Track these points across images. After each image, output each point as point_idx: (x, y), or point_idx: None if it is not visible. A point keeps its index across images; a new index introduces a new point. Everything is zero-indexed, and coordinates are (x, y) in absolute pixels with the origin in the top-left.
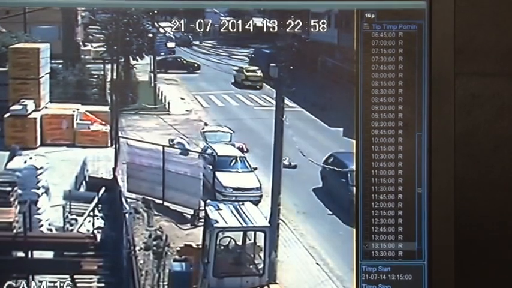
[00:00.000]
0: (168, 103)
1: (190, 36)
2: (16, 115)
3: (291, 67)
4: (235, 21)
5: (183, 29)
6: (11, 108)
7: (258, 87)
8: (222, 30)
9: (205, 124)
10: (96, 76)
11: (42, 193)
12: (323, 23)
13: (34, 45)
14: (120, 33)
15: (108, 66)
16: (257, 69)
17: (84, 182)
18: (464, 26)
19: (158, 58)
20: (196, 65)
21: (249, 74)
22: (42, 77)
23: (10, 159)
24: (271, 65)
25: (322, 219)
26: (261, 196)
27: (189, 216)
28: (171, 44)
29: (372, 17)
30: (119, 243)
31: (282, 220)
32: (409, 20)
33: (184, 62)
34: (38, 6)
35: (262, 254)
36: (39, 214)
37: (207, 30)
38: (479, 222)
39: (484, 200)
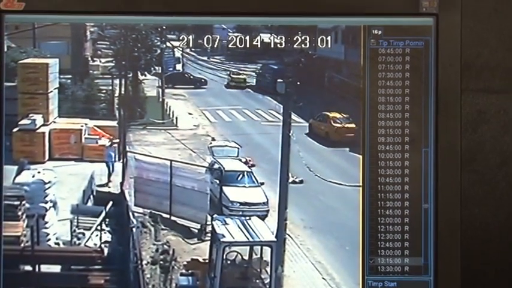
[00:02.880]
0: (176, 118)
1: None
2: (25, 129)
3: (298, 83)
4: (243, 37)
5: (191, 45)
6: (20, 122)
7: (241, 87)
8: (229, 46)
9: (213, 139)
10: (104, 91)
11: (50, 207)
12: (330, 39)
13: (43, 60)
14: (128, 48)
15: (117, 81)
16: (241, 72)
17: (91, 196)
18: (471, 43)
19: (166, 74)
20: (203, 80)
21: (234, 76)
22: (51, 91)
23: (18, 173)
24: (279, 80)
25: (328, 234)
26: (267, 211)
27: (196, 231)
28: (179, 66)
29: (378, 33)
30: (126, 258)
31: (288, 235)
32: (416, 36)
33: (192, 77)
34: (47, 21)
35: (268, 269)
36: (46, 228)
37: (215, 46)
38: (486, 238)
39: (490, 215)
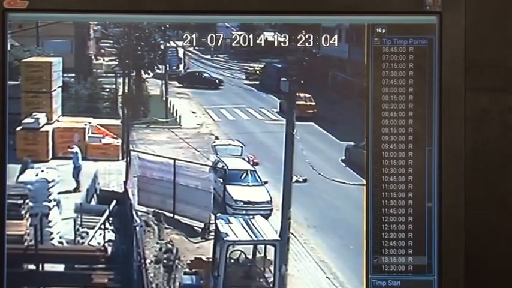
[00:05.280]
0: (180, 117)
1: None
2: (28, 128)
3: (302, 81)
4: (246, 36)
5: (194, 43)
6: (23, 121)
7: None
8: (233, 44)
9: (216, 138)
10: (107, 90)
11: (54, 206)
12: (334, 37)
13: (46, 59)
14: (132, 47)
15: (120, 80)
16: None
17: (95, 195)
18: (475, 42)
19: (180, 73)
20: (217, 81)
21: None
22: (55, 90)
23: (22, 172)
24: (282, 79)
25: (332, 233)
26: (271, 210)
27: (200, 230)
28: (182, 65)
29: (382, 31)
30: (129, 256)
31: (292, 234)
32: (420, 35)
33: (210, 77)
34: (50, 20)
35: (272, 268)
36: (50, 227)
37: (219, 44)
38: (489, 237)
39: (493, 214)
